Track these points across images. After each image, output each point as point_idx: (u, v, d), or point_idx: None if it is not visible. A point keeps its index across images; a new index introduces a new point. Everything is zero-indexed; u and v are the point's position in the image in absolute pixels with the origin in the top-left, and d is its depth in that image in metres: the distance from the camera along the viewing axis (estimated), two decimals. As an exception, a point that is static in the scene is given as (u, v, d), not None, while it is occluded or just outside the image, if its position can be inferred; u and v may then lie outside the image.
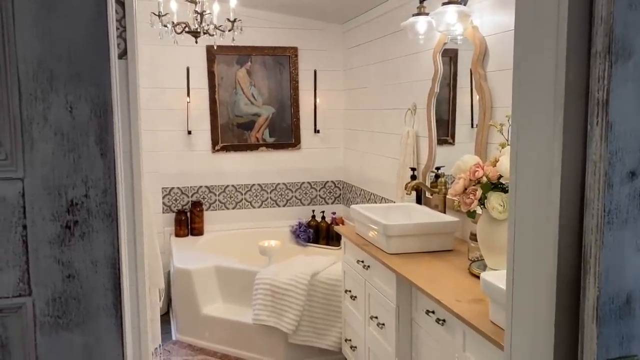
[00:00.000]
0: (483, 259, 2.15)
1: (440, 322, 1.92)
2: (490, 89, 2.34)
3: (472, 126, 2.81)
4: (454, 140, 2.88)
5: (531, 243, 0.87)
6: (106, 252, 0.62)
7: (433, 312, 1.99)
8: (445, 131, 2.90)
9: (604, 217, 0.75)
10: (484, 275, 1.61)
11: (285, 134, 4.23)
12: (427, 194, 2.86)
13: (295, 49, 4.14)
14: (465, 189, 1.97)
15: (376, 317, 2.44)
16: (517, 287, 0.92)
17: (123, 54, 0.96)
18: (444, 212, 2.63)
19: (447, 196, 2.65)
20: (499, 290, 1.52)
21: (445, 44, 2.66)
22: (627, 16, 0.71)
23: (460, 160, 2.08)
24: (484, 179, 1.92)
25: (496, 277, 1.59)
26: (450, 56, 2.79)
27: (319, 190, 4.36)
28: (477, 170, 1.93)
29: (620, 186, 0.75)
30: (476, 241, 2.22)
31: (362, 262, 2.57)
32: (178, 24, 2.97)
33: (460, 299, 1.80)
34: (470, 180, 1.96)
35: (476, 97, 2.75)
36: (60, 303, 0.63)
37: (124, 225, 0.65)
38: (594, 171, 0.76)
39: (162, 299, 2.24)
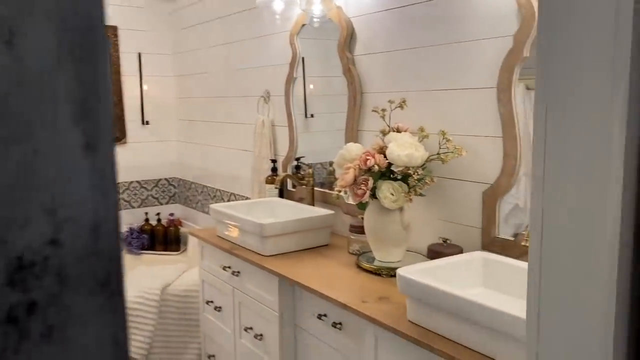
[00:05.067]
0: (366, 252, 2.04)
1: (337, 326, 1.75)
2: (360, 73, 2.23)
3: (306, 116, 2.70)
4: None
5: (572, 255, 0.73)
6: (101, 363, 0.29)
7: (325, 316, 1.82)
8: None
9: (687, 206, 0.63)
10: (401, 272, 1.47)
11: (107, 127, 3.65)
12: (290, 187, 2.68)
13: (114, 29, 3.58)
14: (355, 179, 1.83)
15: (251, 328, 2.18)
16: (546, 315, 0.76)
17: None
18: (312, 205, 2.47)
19: (337, 188, 2.49)
20: (422, 287, 1.40)
21: (303, 25, 2.48)
22: None
23: (343, 149, 1.93)
24: (375, 168, 1.80)
25: (414, 272, 1.48)
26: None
27: (151, 190, 3.87)
28: (368, 159, 1.79)
29: (703, 168, 0.64)
30: (357, 233, 2.11)
31: (229, 267, 2.29)
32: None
33: (365, 299, 1.65)
34: (361, 169, 1.82)
35: (309, 87, 2.65)
36: None
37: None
38: (672, 151, 0.64)
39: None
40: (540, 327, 0.79)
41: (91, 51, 0.26)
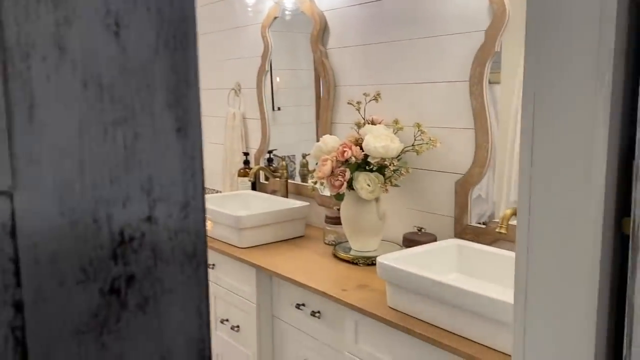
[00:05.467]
0: (341, 242, 2.08)
1: (316, 315, 1.78)
2: (333, 66, 2.26)
3: (273, 109, 2.71)
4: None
5: (558, 241, 0.78)
6: (188, 332, 0.31)
7: (304, 305, 1.85)
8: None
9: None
10: (381, 259, 1.52)
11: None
12: (262, 179, 2.69)
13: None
14: (333, 171, 1.86)
15: (227, 320, 2.19)
16: (534, 292, 0.82)
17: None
18: (286, 197, 2.49)
19: (314, 180, 2.51)
20: (402, 274, 1.45)
21: (275, 17, 2.49)
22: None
23: (320, 141, 1.96)
24: (353, 159, 1.83)
25: (393, 260, 1.52)
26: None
27: (117, 184, 3.80)
28: (345, 151, 1.83)
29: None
30: (333, 224, 2.14)
31: (204, 260, 2.29)
32: None
33: (344, 287, 1.69)
34: (338, 161, 1.85)
35: (276, 79, 2.67)
36: None
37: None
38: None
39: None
40: (527, 309, 0.84)
41: (184, 42, 0.28)
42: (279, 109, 2.77)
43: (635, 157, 0.72)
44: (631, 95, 0.72)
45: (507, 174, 1.73)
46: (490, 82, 1.73)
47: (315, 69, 2.35)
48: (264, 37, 2.55)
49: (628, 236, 0.75)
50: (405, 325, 1.42)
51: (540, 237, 0.80)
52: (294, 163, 2.65)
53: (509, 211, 1.47)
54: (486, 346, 1.29)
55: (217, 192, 2.99)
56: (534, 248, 0.81)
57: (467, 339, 1.33)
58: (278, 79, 2.74)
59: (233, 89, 2.81)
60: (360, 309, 1.54)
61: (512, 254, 1.60)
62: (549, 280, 0.81)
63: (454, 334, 1.35)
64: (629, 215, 0.74)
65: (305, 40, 2.33)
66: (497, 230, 1.47)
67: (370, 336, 1.56)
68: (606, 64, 0.70)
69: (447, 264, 1.67)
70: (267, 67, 2.60)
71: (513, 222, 1.54)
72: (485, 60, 1.69)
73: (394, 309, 1.51)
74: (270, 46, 2.55)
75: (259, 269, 1.95)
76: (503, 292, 1.53)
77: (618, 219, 0.75)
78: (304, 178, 2.53)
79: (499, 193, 1.78)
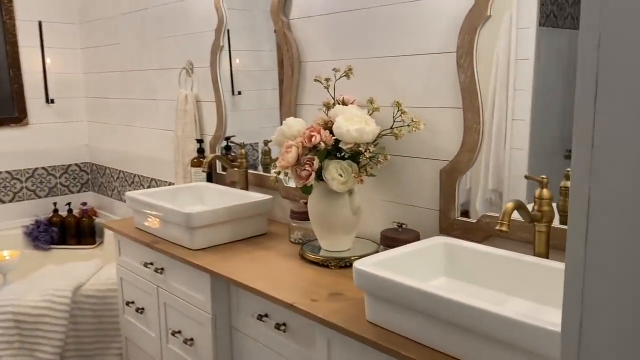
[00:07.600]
0: (310, 240, 1.82)
1: (281, 327, 1.52)
2: (297, 39, 1.98)
3: (233, 93, 2.42)
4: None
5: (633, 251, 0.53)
6: None
7: (267, 316, 1.58)
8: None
9: None
10: (358, 264, 1.26)
11: (3, 106, 3.17)
12: (219, 170, 2.39)
13: (7, -8, 3.10)
14: (299, 159, 1.58)
15: (180, 332, 1.90)
16: (591, 327, 0.57)
17: None
18: (246, 189, 2.20)
19: (276, 170, 2.21)
20: (384, 282, 1.19)
21: (230, -14, 2.19)
22: None
23: (284, 124, 1.68)
24: (322, 145, 1.56)
25: (372, 265, 1.26)
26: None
27: (60, 177, 3.43)
28: (313, 135, 1.55)
29: None
30: (299, 220, 1.88)
31: (152, 264, 1.99)
32: None
33: (315, 297, 1.43)
34: (304, 147, 1.58)
35: (236, 61, 2.39)
36: None
37: None
38: None
39: None
40: (582, 340, 0.59)
41: None
42: (239, 93, 2.49)
43: None
44: None
45: (484, 159, 1.50)
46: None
47: (278, 49, 2.06)
48: (217, 8, 2.24)
49: None
50: (388, 345, 1.17)
51: (602, 252, 0.55)
52: (257, 152, 2.37)
53: (510, 205, 1.23)
54: (489, 371, 1.05)
55: (169, 184, 2.67)
56: (592, 267, 0.56)
57: (465, 361, 1.08)
58: (238, 61, 2.44)
59: (184, 68, 2.49)
60: (334, 325, 1.28)
61: (510, 254, 1.37)
62: (614, 307, 0.56)
63: (452, 356, 1.11)
64: None
65: (267, 18, 2.04)
66: (497, 228, 1.23)
67: (346, 356, 1.31)
68: None
69: (433, 266, 1.42)
70: (222, 43, 2.29)
71: (512, 217, 1.31)
72: (476, 26, 1.44)
73: (374, 324, 1.26)
74: (224, 18, 2.24)
75: (213, 274, 1.67)
76: (502, 299, 1.30)
77: None
78: (266, 168, 2.25)
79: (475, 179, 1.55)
